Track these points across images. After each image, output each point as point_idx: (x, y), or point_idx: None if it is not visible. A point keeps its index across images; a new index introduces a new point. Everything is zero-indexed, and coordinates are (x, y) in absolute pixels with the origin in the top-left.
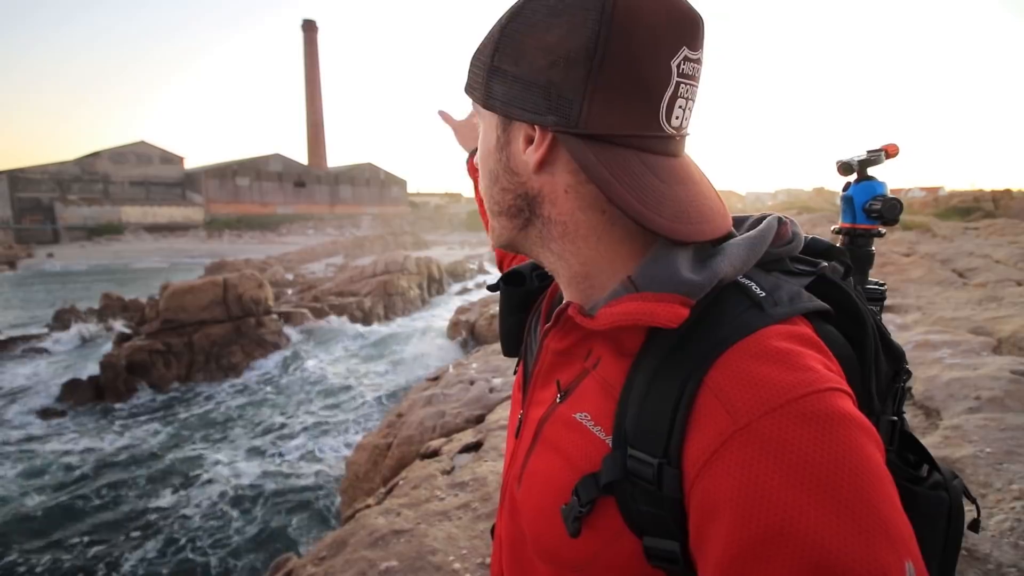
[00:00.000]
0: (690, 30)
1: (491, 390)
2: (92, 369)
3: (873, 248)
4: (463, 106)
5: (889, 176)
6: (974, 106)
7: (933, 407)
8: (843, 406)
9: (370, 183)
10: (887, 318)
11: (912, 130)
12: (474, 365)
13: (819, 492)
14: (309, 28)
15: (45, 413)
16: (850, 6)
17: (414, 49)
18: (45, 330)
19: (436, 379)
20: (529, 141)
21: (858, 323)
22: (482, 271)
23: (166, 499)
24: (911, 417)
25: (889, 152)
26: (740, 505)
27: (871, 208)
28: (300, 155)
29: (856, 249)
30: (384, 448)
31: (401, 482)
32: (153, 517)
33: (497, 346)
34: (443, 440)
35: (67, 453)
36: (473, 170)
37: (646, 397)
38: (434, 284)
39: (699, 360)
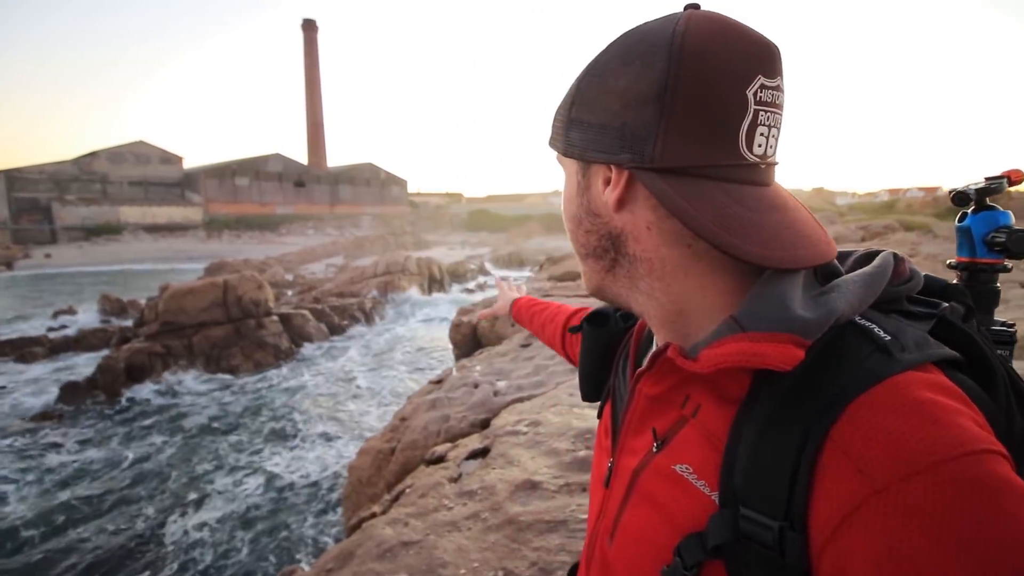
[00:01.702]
0: (766, 59)
1: (495, 393)
2: (91, 371)
3: (998, 285)
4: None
5: (887, 176)
6: (972, 105)
7: None
8: (1004, 472)
9: (370, 183)
10: None
11: (910, 129)
12: (478, 367)
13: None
14: (309, 27)
15: (41, 416)
16: (848, 5)
17: (415, 48)
18: (43, 331)
19: (439, 382)
20: (607, 182)
21: (987, 372)
22: (483, 271)
23: (165, 510)
24: None
25: (1013, 179)
26: None
27: (994, 240)
28: (300, 155)
29: (978, 286)
30: (388, 453)
31: (408, 490)
32: (151, 528)
33: (500, 347)
34: (449, 446)
35: (63, 462)
36: (519, 316)
37: (758, 450)
38: (435, 284)
39: (821, 410)
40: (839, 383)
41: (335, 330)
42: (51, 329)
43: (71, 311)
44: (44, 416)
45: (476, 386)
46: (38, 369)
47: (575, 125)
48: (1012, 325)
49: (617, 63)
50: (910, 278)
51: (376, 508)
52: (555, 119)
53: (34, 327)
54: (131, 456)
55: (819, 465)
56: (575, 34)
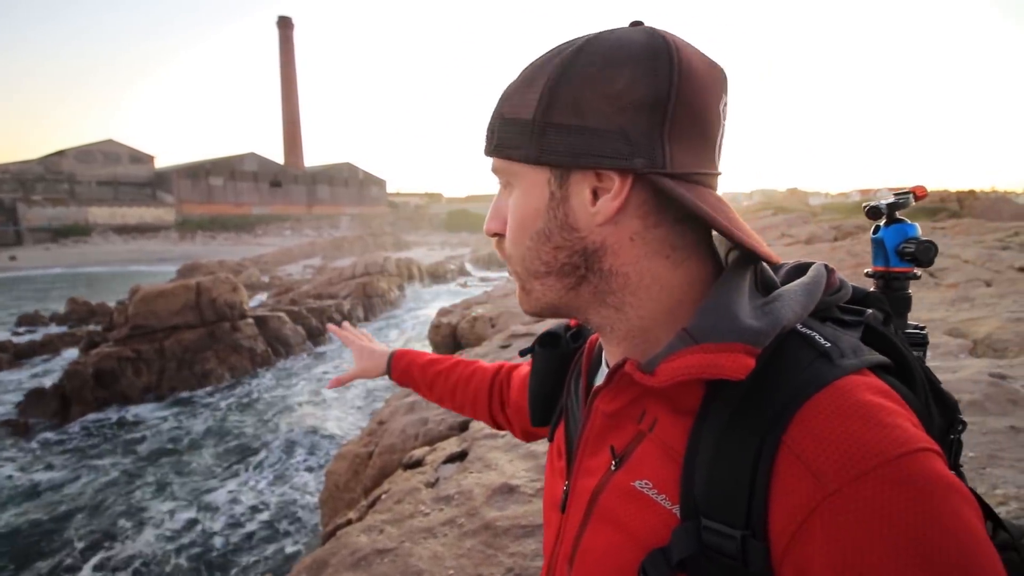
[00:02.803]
0: (724, 79)
1: None
2: (57, 377)
3: (910, 291)
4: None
5: (859, 177)
6: (942, 105)
7: None
8: (939, 469)
9: (348, 183)
10: None
11: (882, 130)
12: None
13: (924, 571)
14: (284, 25)
15: (4, 427)
16: (823, 8)
17: (393, 47)
18: (7, 336)
19: None
20: (597, 192)
21: (908, 373)
22: (462, 272)
23: (135, 521)
24: None
25: (917, 194)
26: None
27: (904, 250)
28: (276, 154)
29: (892, 293)
30: (365, 457)
31: (384, 495)
32: (120, 542)
33: (480, 348)
34: (427, 449)
35: (22, 482)
36: (407, 377)
37: (716, 460)
38: (413, 285)
39: (773, 417)
40: (787, 389)
41: (312, 333)
42: (16, 334)
43: (37, 315)
44: (4, 427)
45: None
46: (0, 376)
47: (555, 129)
48: (923, 328)
49: (601, 63)
50: (840, 288)
51: (352, 515)
52: (504, 124)
53: None
54: (82, 478)
55: (775, 471)
56: (554, 33)
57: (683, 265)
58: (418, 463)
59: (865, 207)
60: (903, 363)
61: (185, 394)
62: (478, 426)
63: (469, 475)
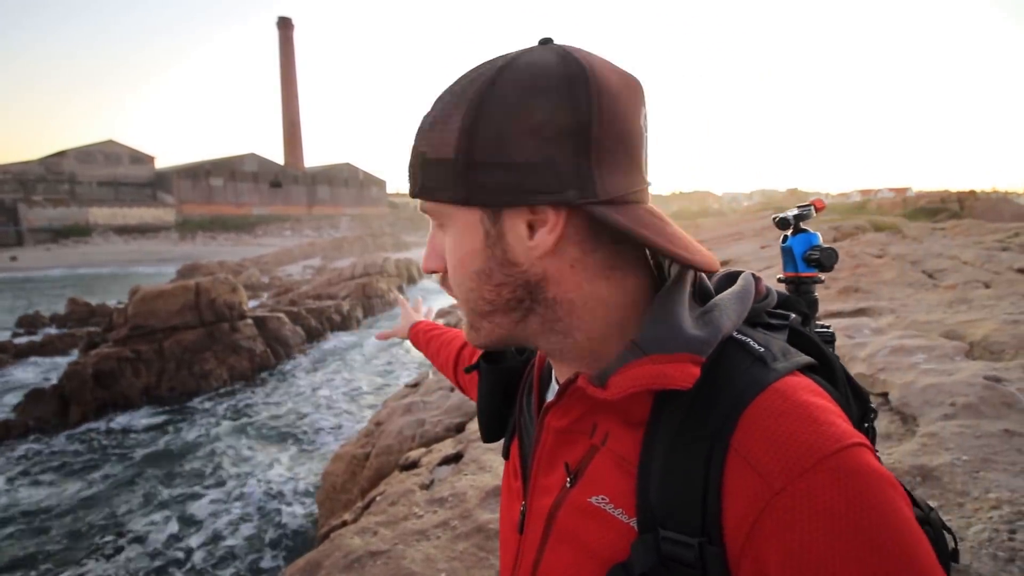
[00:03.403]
0: (640, 90)
1: None
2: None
3: (816, 294)
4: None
5: (859, 178)
6: (941, 106)
7: (909, 413)
8: (871, 461)
9: (348, 183)
10: (863, 322)
11: (882, 130)
12: None
13: (868, 558)
14: (285, 25)
15: (2, 428)
16: (819, 9)
17: (393, 47)
18: (7, 336)
19: (415, 385)
20: (532, 225)
21: (829, 370)
22: None
23: (134, 523)
24: (888, 423)
25: (817, 207)
26: None
27: (810, 257)
28: (276, 155)
29: (802, 296)
30: (362, 458)
31: (379, 497)
32: (113, 542)
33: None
34: (423, 451)
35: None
36: (416, 340)
37: (669, 470)
38: (414, 286)
39: (719, 422)
40: (730, 395)
41: (312, 333)
42: (16, 334)
43: (37, 316)
44: (4, 428)
45: (452, 389)
46: (1, 376)
47: (483, 168)
48: (828, 327)
49: (518, 95)
50: (767, 295)
51: (347, 516)
52: (427, 166)
53: None
54: (97, 476)
55: (725, 474)
56: (549, 28)
57: (623, 283)
58: (414, 465)
59: (774, 219)
60: (825, 361)
61: (176, 406)
62: (474, 427)
63: (463, 477)
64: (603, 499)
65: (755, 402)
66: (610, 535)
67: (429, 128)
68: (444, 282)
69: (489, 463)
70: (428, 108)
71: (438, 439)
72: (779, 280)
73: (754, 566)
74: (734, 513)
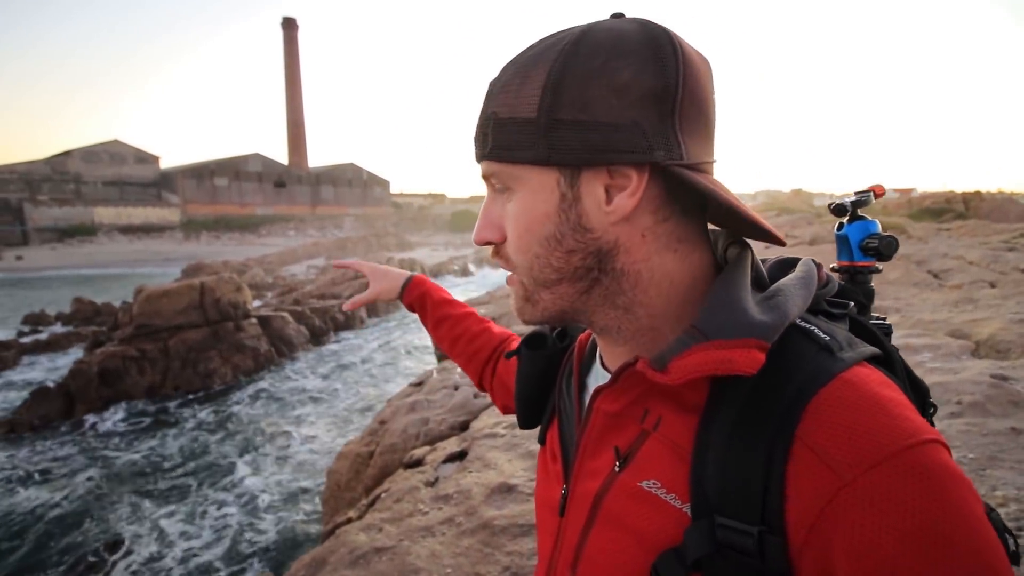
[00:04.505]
0: (711, 69)
1: (476, 395)
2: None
3: (872, 284)
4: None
5: (863, 178)
6: (946, 107)
7: None
8: (947, 460)
9: (352, 183)
10: None
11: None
12: (458, 370)
13: (940, 558)
14: (289, 26)
15: (8, 426)
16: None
17: (397, 47)
18: (13, 335)
19: (419, 384)
20: (611, 189)
21: (890, 362)
22: (465, 272)
23: (139, 513)
24: None
25: (877, 193)
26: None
27: (868, 246)
28: (280, 155)
29: (857, 286)
30: (366, 456)
31: (383, 495)
32: (120, 533)
33: None
34: (427, 449)
35: (23, 478)
36: (419, 306)
37: (728, 457)
38: None
39: (784, 411)
40: (795, 383)
41: (316, 333)
42: (22, 333)
43: (43, 314)
44: (9, 426)
45: (456, 388)
46: (7, 374)
47: (567, 127)
48: (885, 318)
49: (604, 56)
50: (827, 282)
51: (352, 513)
52: (504, 124)
53: (5, 331)
54: (99, 473)
55: (789, 464)
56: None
57: (689, 258)
58: (418, 462)
59: (830, 205)
60: (885, 352)
61: (178, 404)
62: (478, 425)
63: (468, 474)
64: (655, 483)
65: (823, 392)
66: (661, 520)
67: (502, 90)
68: (499, 253)
69: (494, 461)
70: (497, 74)
71: (442, 437)
72: (833, 269)
73: (818, 558)
74: (798, 504)
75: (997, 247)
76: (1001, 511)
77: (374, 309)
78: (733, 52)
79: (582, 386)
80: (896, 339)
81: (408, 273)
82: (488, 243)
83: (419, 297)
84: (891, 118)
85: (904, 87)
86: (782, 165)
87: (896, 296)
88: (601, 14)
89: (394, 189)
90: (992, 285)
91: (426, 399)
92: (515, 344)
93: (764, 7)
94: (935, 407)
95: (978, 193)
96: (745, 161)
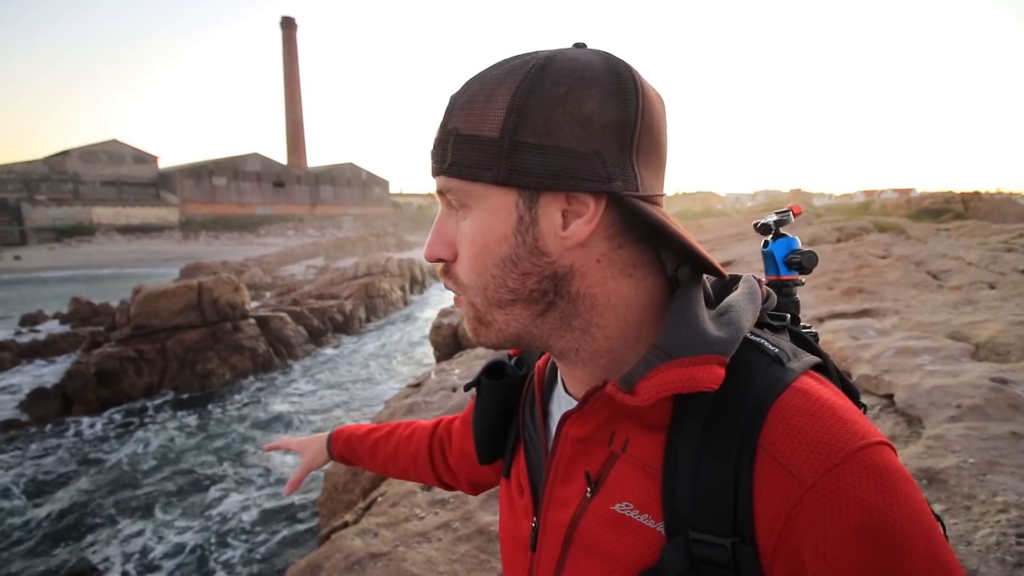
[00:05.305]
0: (666, 107)
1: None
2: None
3: (797, 296)
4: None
5: (862, 178)
6: (945, 108)
7: (915, 415)
8: (895, 460)
9: (351, 183)
10: (867, 323)
11: (886, 131)
12: (456, 370)
13: (898, 552)
14: (288, 25)
15: (5, 426)
16: (824, 11)
17: (396, 47)
18: (10, 336)
19: (417, 386)
20: (567, 215)
21: (827, 370)
22: None
23: (132, 524)
24: (893, 425)
25: (795, 212)
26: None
27: (791, 260)
28: (279, 154)
29: (784, 298)
30: None
31: (380, 499)
32: (113, 546)
33: (480, 350)
34: None
35: (18, 478)
36: (349, 450)
37: (696, 472)
38: (416, 286)
39: (746, 422)
40: (754, 395)
41: (314, 333)
42: (19, 333)
43: (41, 315)
44: (6, 426)
45: (454, 389)
46: (4, 375)
47: (528, 150)
48: (810, 327)
49: (571, 88)
50: (767, 296)
51: (348, 517)
52: (465, 141)
53: (3, 331)
54: (95, 478)
55: (756, 473)
56: (554, 33)
57: (644, 283)
58: None
59: (755, 224)
60: (823, 360)
61: (177, 404)
62: None
63: None
64: (627, 505)
65: (779, 401)
66: (636, 542)
67: (465, 106)
68: (447, 272)
69: None
70: (459, 89)
71: None
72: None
73: (788, 563)
74: (766, 512)
75: (996, 248)
76: (1002, 517)
77: (372, 309)
78: (733, 52)
79: (546, 413)
80: (895, 341)
81: (326, 435)
82: (439, 260)
83: (345, 441)
84: (890, 118)
85: (903, 87)
86: (782, 165)
87: (895, 298)
88: (606, 26)
89: (393, 189)
90: (991, 286)
91: (424, 401)
92: (447, 424)
93: (764, 7)
94: (865, 407)
95: (977, 193)
96: (745, 161)
